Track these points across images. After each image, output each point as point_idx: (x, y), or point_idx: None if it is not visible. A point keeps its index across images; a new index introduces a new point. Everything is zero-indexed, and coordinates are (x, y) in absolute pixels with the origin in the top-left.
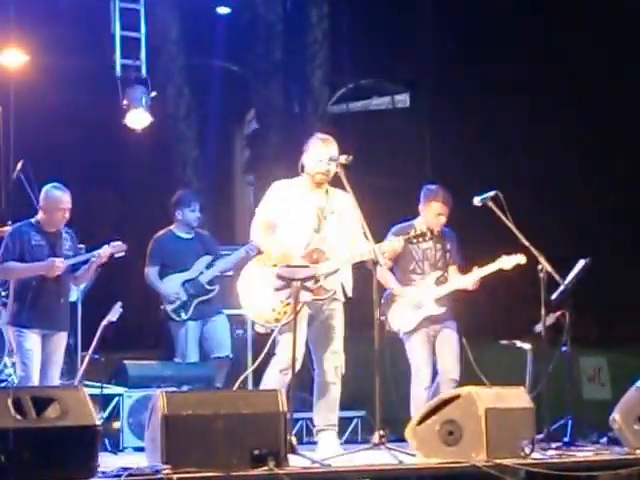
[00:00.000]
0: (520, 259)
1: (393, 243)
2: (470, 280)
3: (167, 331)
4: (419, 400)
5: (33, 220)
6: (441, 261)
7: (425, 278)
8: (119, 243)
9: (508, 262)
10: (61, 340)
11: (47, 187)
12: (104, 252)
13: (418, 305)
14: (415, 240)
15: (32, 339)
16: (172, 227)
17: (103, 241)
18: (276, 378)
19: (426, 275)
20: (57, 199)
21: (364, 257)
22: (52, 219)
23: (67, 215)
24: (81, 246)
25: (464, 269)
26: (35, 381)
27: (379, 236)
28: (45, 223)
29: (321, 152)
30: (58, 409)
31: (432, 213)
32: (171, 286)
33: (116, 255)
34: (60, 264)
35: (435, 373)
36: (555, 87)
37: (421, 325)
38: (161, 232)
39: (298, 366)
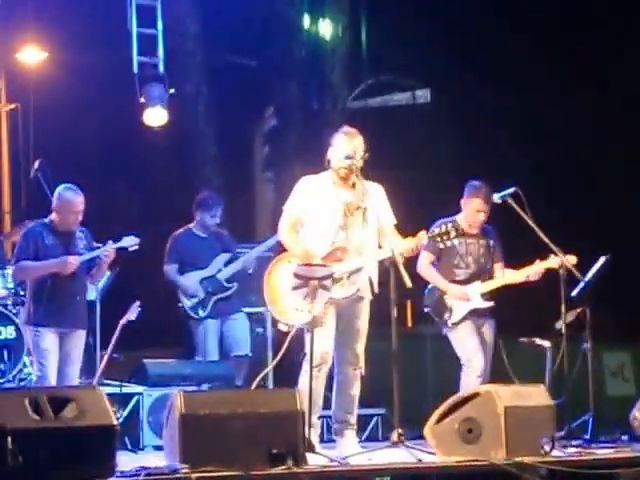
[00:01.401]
0: (572, 259)
1: (411, 241)
2: (521, 276)
3: (187, 329)
4: (469, 388)
5: (47, 220)
6: (485, 257)
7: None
8: (131, 237)
9: (558, 262)
10: (79, 338)
11: (60, 188)
12: (111, 249)
13: (464, 299)
14: (439, 239)
15: (49, 338)
16: (191, 226)
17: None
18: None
19: (470, 269)
20: (70, 201)
21: (386, 255)
22: (65, 221)
23: (80, 217)
24: (99, 245)
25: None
26: (52, 381)
27: (406, 231)
28: (58, 223)
29: (345, 146)
30: (75, 409)
31: (472, 209)
32: (189, 283)
33: (130, 249)
34: (73, 261)
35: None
36: (582, 84)
37: (467, 317)
38: (179, 230)
39: (329, 363)
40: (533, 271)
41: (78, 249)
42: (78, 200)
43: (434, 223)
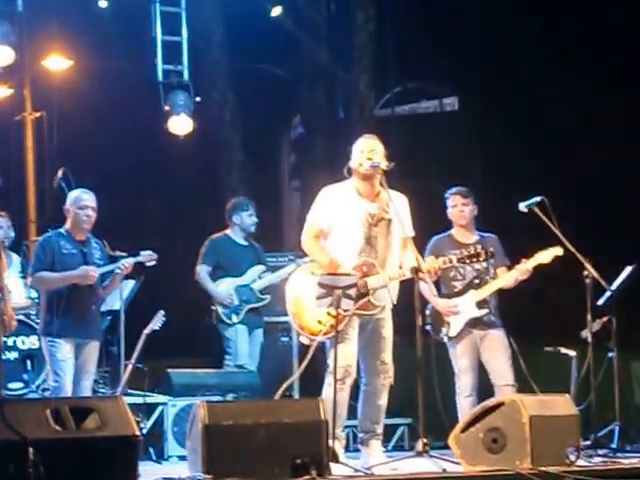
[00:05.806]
0: (557, 250)
1: (434, 262)
2: (511, 278)
3: (216, 333)
4: (462, 408)
5: (62, 230)
6: (483, 264)
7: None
8: (149, 252)
9: (545, 256)
10: (94, 349)
11: (70, 193)
12: (128, 263)
13: (453, 312)
14: (468, 260)
15: (65, 349)
16: (228, 231)
17: (147, 249)
18: (334, 389)
19: (467, 279)
20: (80, 198)
21: (411, 275)
22: (79, 221)
23: (92, 214)
24: (122, 254)
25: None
26: (68, 391)
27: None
28: (73, 229)
29: (362, 145)
30: (97, 419)
31: (450, 207)
32: (224, 289)
33: (147, 264)
34: (94, 272)
35: (481, 381)
36: (606, 91)
37: (465, 331)
38: (217, 234)
39: (354, 376)
40: (520, 271)
41: (94, 258)
42: (88, 197)
43: (429, 241)
